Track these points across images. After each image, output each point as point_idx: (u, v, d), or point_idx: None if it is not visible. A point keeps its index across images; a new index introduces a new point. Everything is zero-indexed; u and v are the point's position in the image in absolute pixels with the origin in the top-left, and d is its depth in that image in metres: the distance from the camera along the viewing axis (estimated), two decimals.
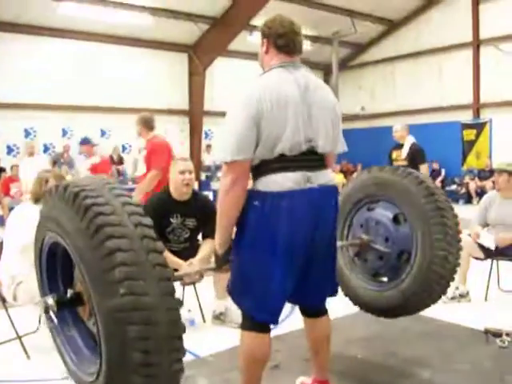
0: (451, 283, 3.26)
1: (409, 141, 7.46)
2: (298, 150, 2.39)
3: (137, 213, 1.86)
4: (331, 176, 2.58)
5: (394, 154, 7.67)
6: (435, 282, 3.13)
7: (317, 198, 2.42)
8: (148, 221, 1.87)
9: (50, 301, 2.09)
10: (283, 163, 2.37)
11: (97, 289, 1.77)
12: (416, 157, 7.27)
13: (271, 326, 2.50)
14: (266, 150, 2.35)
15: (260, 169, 2.40)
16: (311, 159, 2.45)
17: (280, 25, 2.53)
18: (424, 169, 7.28)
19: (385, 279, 3.40)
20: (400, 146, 7.59)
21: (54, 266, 2.30)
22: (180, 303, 1.82)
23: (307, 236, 2.41)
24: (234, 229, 2.50)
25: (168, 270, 1.82)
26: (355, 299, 3.56)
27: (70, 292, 2.13)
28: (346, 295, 3.58)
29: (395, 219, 3.31)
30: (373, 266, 3.39)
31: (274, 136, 2.33)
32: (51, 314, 2.14)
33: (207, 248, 4.10)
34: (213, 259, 2.68)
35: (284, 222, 2.33)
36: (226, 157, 2.32)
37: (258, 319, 2.45)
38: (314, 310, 2.76)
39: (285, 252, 2.35)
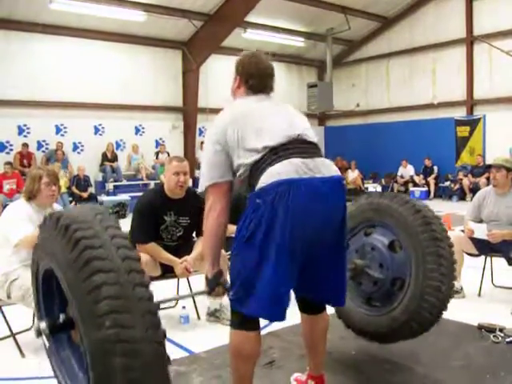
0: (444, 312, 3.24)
1: None
2: (284, 138, 2.38)
3: (124, 246, 1.91)
4: (333, 166, 2.48)
5: None
6: (427, 312, 3.11)
7: (321, 191, 2.32)
8: (135, 254, 1.92)
9: (43, 325, 2.15)
10: (276, 155, 2.33)
11: (84, 320, 1.82)
12: None
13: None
14: (249, 150, 2.36)
15: (256, 170, 2.35)
16: (304, 146, 2.42)
17: (255, 66, 2.65)
18: None
19: (377, 304, 3.38)
20: None
21: (50, 290, 2.33)
22: (164, 336, 1.86)
23: (311, 229, 2.31)
24: (233, 227, 2.48)
25: (154, 303, 1.86)
26: (346, 321, 3.55)
27: (62, 317, 2.18)
28: (339, 317, 3.57)
29: (391, 246, 3.29)
30: (366, 290, 3.38)
31: (249, 136, 2.38)
32: (44, 337, 2.18)
33: (201, 246, 4.10)
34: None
35: (285, 213, 2.23)
36: (204, 184, 2.47)
37: (265, 314, 2.40)
38: (314, 306, 2.75)
39: (286, 246, 2.25)
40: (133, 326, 1.76)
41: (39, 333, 2.15)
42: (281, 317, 2.41)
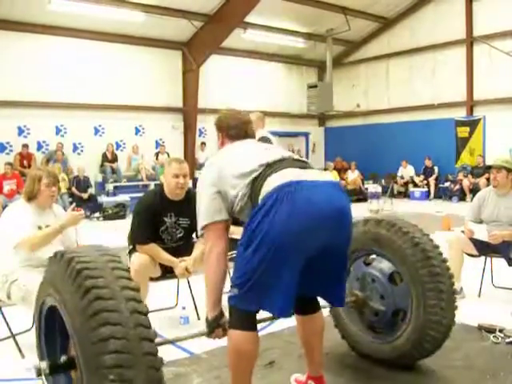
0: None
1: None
2: (278, 156, 2.51)
3: (134, 299, 1.92)
4: (328, 175, 2.64)
5: None
6: (428, 343, 3.14)
7: (322, 188, 2.39)
8: (143, 307, 1.93)
9: (43, 365, 2.14)
10: (273, 167, 2.42)
11: (88, 369, 1.82)
12: None
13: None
14: (244, 174, 2.43)
15: (257, 186, 2.40)
16: (298, 161, 2.53)
17: (231, 118, 2.85)
18: None
19: (381, 331, 3.37)
20: None
21: (53, 328, 2.31)
22: None
23: (316, 220, 2.32)
24: (236, 229, 2.50)
25: (158, 358, 1.87)
26: (352, 345, 3.54)
27: (63, 357, 2.16)
28: (343, 338, 3.58)
29: (391, 277, 3.28)
30: (368, 319, 3.38)
31: (242, 163, 2.49)
32: (43, 377, 2.17)
33: (201, 247, 4.09)
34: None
35: (291, 210, 2.26)
36: (203, 222, 2.54)
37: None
38: (309, 307, 2.77)
39: (291, 245, 2.28)
40: (135, 380, 1.77)
41: (39, 372, 2.15)
42: (289, 313, 2.51)
